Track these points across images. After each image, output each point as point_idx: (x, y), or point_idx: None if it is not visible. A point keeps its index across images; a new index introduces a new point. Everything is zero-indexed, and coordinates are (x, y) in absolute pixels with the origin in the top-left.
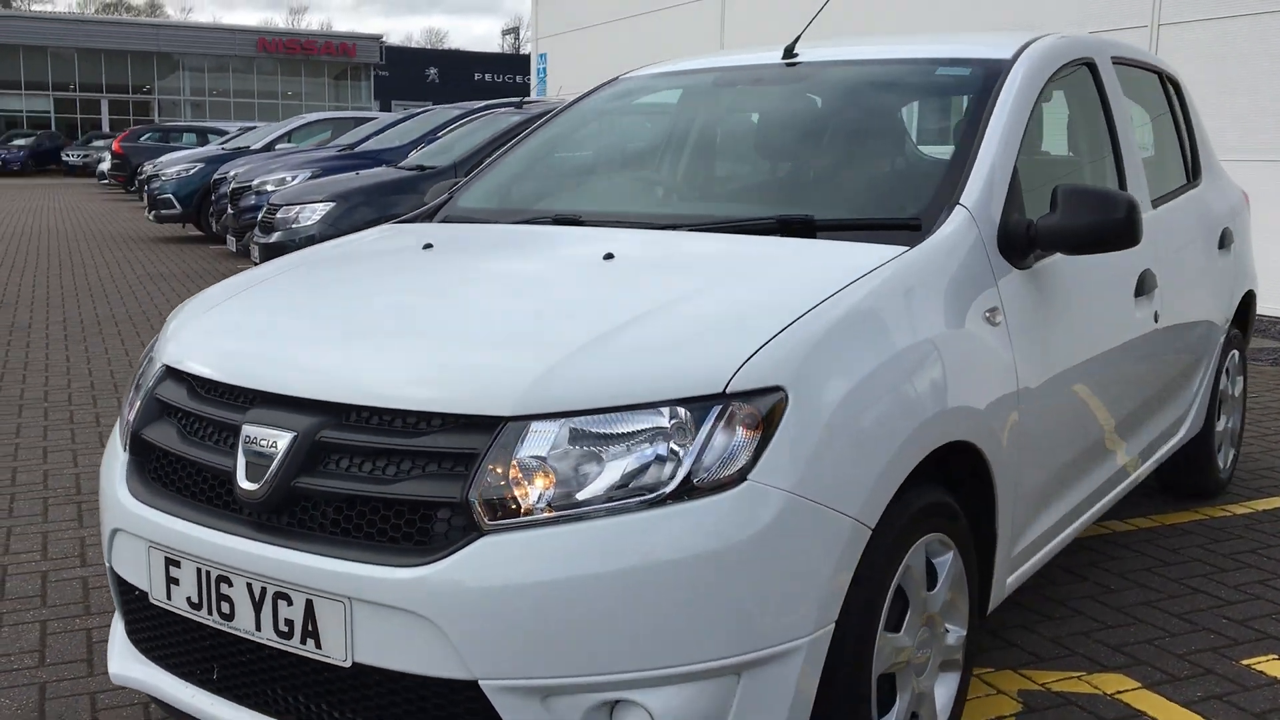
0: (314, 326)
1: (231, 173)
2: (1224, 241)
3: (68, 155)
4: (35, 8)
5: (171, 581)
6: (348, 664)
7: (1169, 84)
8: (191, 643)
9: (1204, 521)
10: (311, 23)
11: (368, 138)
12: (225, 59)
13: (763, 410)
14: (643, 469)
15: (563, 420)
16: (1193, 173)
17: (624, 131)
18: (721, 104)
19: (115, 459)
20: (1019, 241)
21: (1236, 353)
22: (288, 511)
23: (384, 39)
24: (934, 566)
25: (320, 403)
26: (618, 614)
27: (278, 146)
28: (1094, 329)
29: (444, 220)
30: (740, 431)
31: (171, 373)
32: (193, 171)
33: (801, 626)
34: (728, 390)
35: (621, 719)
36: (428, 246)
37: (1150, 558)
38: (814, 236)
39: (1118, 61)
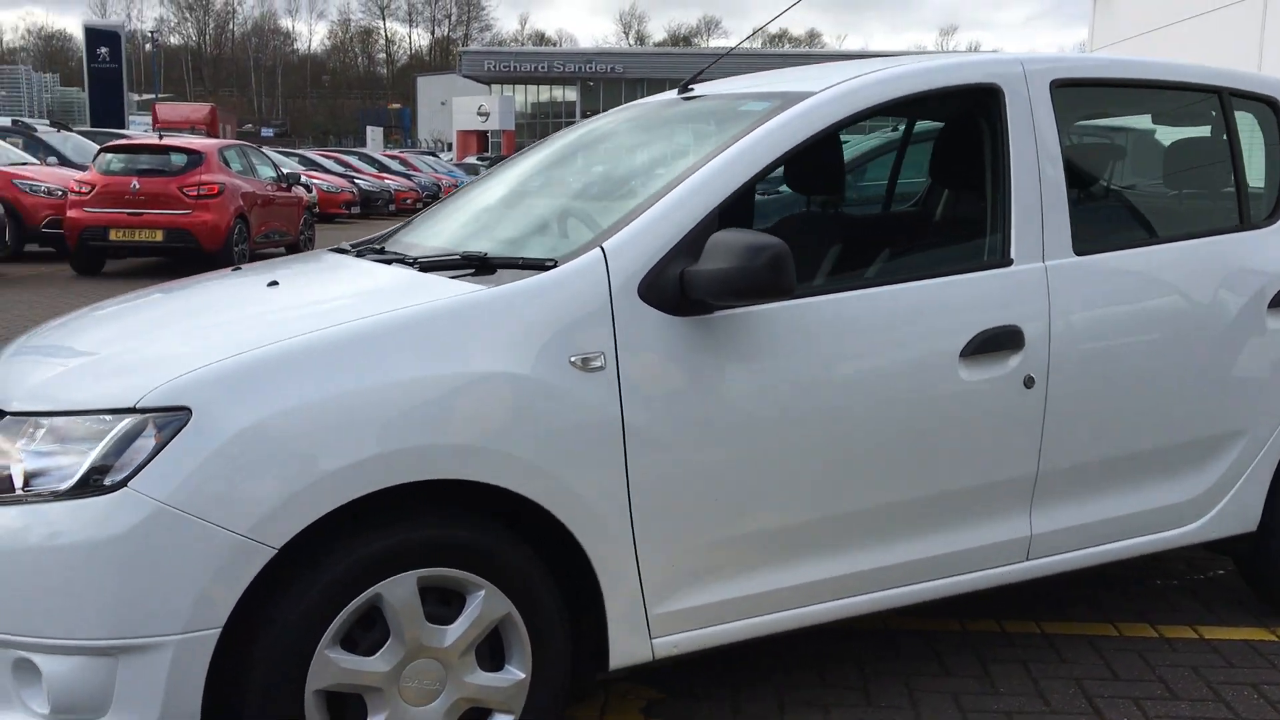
0: (50, 339)
1: None
2: None
3: None
4: (714, 44)
5: None
6: None
7: (1236, 105)
8: None
9: (1258, 643)
10: (959, 43)
11: None
12: None
13: (163, 427)
14: (64, 466)
15: (43, 419)
16: (1261, 215)
17: (524, 168)
18: (578, 143)
19: None
20: (669, 289)
21: None
22: None
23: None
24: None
25: None
26: (22, 586)
27: None
28: (844, 387)
29: (358, 251)
30: (140, 443)
31: None
32: None
33: (170, 625)
34: (137, 405)
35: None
36: (235, 268)
37: (1104, 667)
38: (493, 273)
39: (1075, 84)
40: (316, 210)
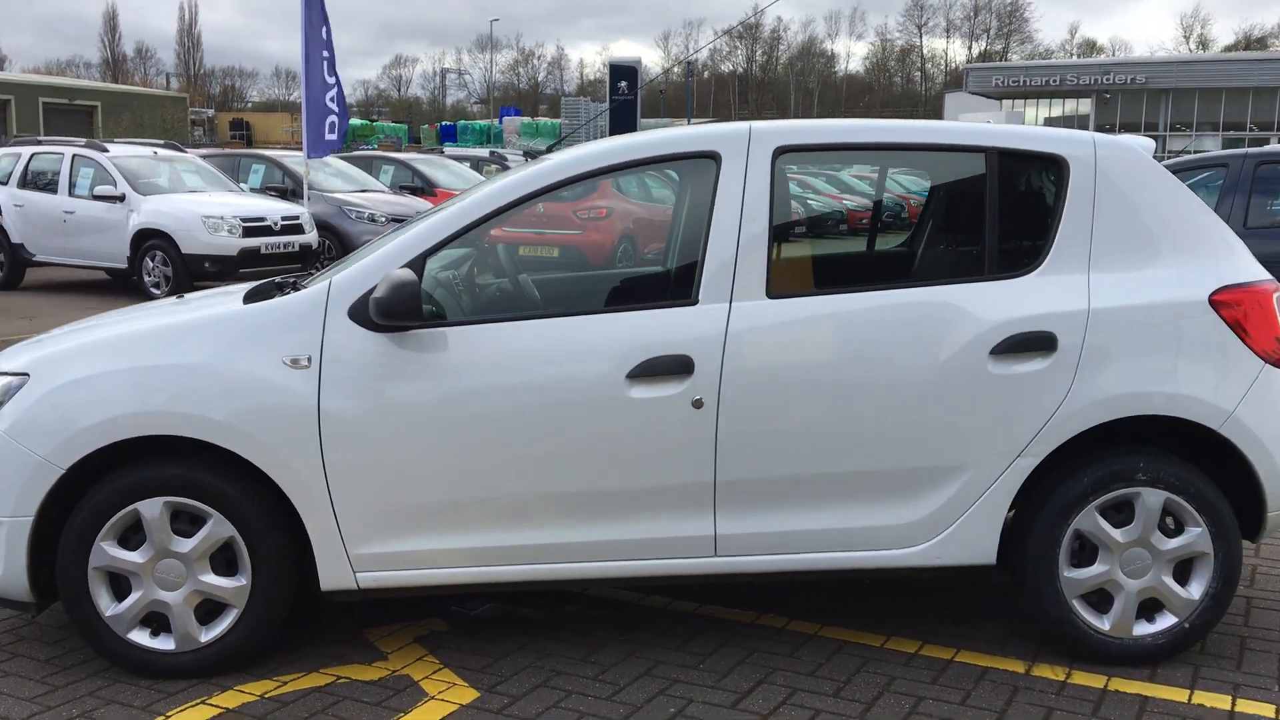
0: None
1: None
2: (1020, 346)
3: None
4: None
5: None
6: None
7: (1003, 165)
8: None
9: (1057, 683)
10: None
11: None
12: None
13: (16, 384)
14: None
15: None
16: (997, 268)
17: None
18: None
19: None
20: (366, 312)
21: (1162, 494)
22: None
23: None
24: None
25: None
26: None
27: None
28: (513, 394)
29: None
30: (8, 394)
31: None
32: None
33: (3, 511)
34: (9, 370)
35: None
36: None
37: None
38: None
39: (805, 149)
40: None
